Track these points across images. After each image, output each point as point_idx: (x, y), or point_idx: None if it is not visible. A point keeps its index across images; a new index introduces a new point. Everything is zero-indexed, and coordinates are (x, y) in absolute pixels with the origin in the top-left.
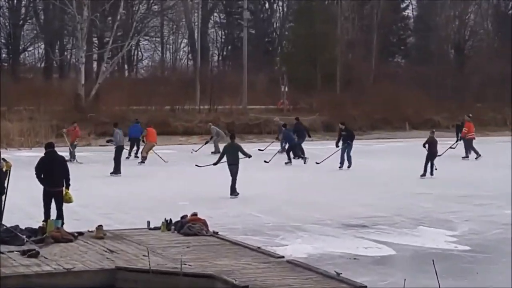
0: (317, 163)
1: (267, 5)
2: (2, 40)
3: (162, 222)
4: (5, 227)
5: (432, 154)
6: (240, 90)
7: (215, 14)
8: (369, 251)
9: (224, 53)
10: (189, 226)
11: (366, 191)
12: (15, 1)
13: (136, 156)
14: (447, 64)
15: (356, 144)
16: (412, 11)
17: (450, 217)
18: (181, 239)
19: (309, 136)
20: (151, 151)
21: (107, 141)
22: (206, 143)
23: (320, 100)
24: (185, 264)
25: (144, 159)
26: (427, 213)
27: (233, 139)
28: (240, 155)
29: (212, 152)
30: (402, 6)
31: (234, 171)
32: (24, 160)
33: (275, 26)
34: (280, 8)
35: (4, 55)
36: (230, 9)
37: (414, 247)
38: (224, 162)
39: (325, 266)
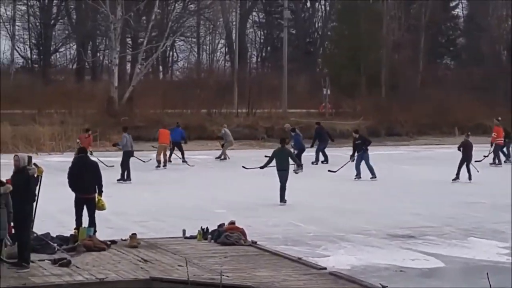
0: (330, 171)
1: (308, 4)
2: (33, 41)
3: (199, 230)
4: (35, 235)
5: (467, 158)
6: (280, 93)
7: (254, 13)
8: (416, 263)
9: (263, 54)
10: (227, 235)
11: (413, 200)
12: (46, 0)
13: (183, 161)
14: (499, 65)
15: (403, 150)
16: (462, 10)
17: (502, 228)
18: (218, 249)
19: (332, 140)
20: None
21: (113, 145)
22: (223, 145)
23: (364, 104)
24: (223, 275)
25: (159, 163)
26: (478, 223)
27: (283, 143)
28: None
29: (216, 158)
30: (451, 4)
31: (283, 177)
32: (55, 166)
33: (316, 26)
34: (322, 7)
35: (34, 56)
36: (269, 8)
37: (464, 259)
38: (273, 166)
39: (370, 279)
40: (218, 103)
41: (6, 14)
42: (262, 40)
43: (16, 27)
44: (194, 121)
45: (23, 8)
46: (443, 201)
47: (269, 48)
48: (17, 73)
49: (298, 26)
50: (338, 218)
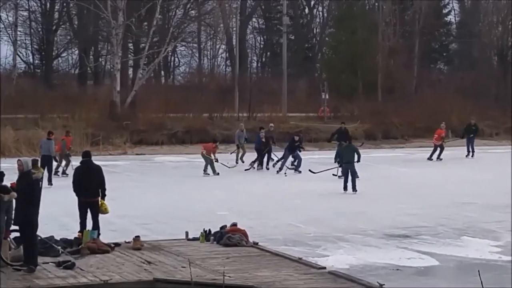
0: (311, 171)
1: (306, 10)
2: (35, 46)
3: (201, 232)
4: (40, 238)
5: None
6: (280, 97)
7: (254, 19)
8: (412, 262)
9: (263, 59)
10: (229, 237)
11: (409, 201)
12: (48, 6)
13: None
14: (490, 71)
15: (399, 153)
16: (455, 17)
17: (494, 227)
18: (220, 250)
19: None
20: None
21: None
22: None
23: (362, 108)
24: (225, 275)
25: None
26: (471, 223)
27: (350, 141)
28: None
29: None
30: (444, 11)
31: (352, 168)
32: None
33: (315, 31)
34: (320, 13)
35: (37, 61)
36: (269, 14)
37: (457, 258)
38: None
39: (367, 277)
40: (220, 107)
41: (8, 19)
42: (262, 46)
43: (18, 33)
44: (196, 125)
45: (25, 13)
46: (437, 202)
47: (268, 53)
48: (20, 78)
49: (297, 32)
50: (337, 219)
